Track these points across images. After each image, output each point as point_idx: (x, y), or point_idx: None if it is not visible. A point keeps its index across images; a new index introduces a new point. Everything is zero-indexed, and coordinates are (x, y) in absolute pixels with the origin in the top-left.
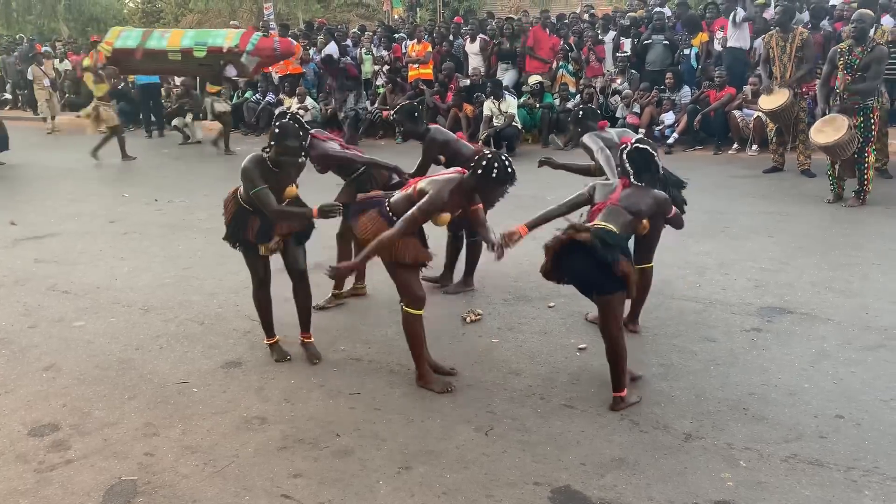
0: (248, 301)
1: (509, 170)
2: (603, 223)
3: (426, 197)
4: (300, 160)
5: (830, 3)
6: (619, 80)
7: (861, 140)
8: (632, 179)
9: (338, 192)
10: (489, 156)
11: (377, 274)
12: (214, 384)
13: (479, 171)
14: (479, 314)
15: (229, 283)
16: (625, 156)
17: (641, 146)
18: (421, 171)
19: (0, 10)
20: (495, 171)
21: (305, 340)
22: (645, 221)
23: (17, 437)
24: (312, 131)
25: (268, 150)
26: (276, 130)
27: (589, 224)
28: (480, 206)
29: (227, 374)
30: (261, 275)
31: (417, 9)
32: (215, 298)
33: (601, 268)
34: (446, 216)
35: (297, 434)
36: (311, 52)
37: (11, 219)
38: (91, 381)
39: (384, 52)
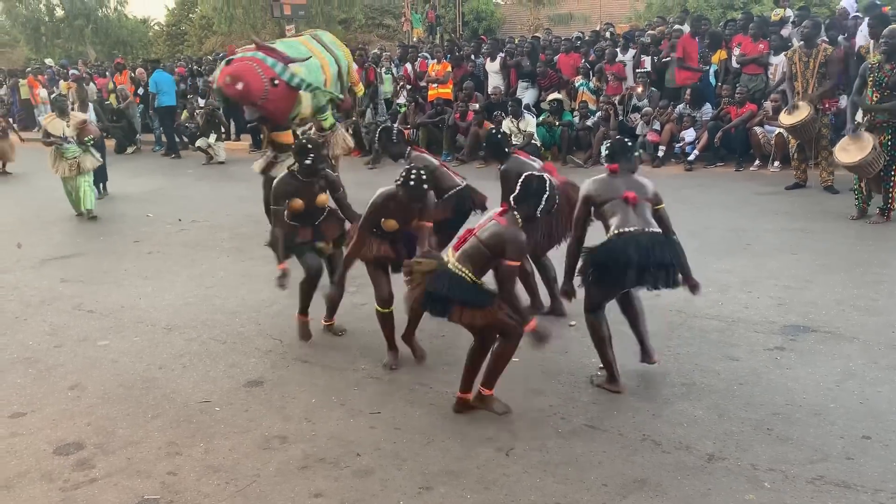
0: (269, 320)
1: (422, 185)
2: (455, 262)
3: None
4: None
5: (851, 17)
6: (639, 90)
7: (888, 157)
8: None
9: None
10: (409, 168)
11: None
12: (236, 403)
13: (399, 181)
14: None
15: (251, 302)
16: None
17: None
18: None
19: (29, 34)
20: (412, 181)
21: (326, 323)
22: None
23: (43, 456)
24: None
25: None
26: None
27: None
28: (427, 223)
29: (249, 393)
30: (313, 269)
31: (437, 29)
32: (237, 317)
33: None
34: (391, 222)
35: (318, 453)
36: None
37: (19, 241)
38: (115, 399)
39: (408, 65)
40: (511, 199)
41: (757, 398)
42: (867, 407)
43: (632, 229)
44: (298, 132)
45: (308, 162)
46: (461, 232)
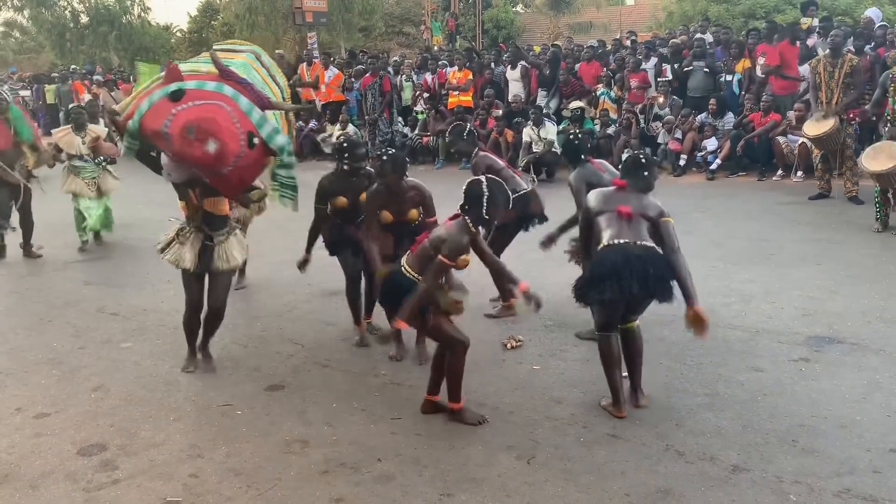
0: (290, 324)
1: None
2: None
3: None
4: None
5: (878, 27)
6: (661, 100)
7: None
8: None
9: None
10: (388, 150)
11: None
12: (258, 407)
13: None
14: (519, 341)
15: (273, 307)
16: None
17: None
18: None
19: (55, 40)
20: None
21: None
22: None
23: (67, 457)
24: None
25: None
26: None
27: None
28: (432, 218)
29: (270, 397)
30: (350, 271)
31: (457, 37)
32: (259, 322)
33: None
34: (385, 213)
35: (339, 458)
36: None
37: (40, 245)
38: (138, 401)
39: (428, 76)
40: (460, 206)
41: (781, 409)
42: (894, 420)
43: (621, 241)
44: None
45: (346, 166)
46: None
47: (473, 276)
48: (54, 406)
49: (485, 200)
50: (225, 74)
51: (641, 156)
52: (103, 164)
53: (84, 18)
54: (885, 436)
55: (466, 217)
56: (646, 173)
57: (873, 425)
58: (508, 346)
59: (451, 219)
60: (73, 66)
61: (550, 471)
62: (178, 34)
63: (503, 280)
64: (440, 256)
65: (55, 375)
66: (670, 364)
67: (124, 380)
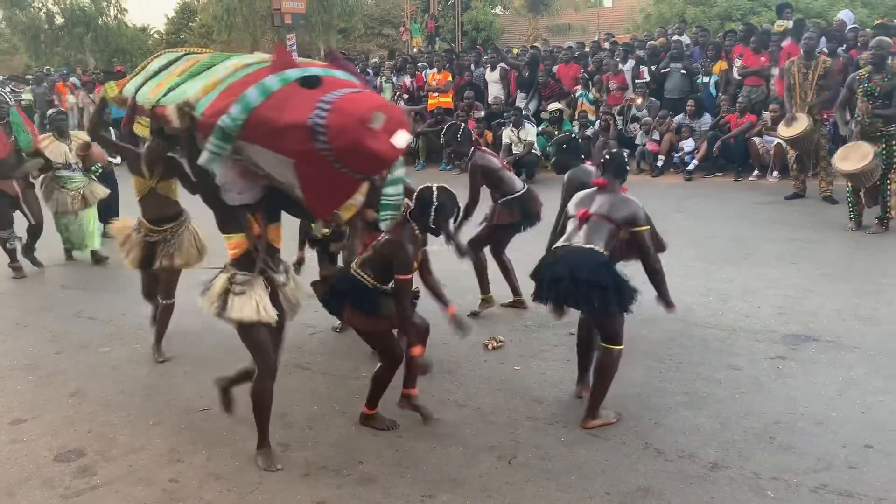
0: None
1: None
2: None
3: None
4: None
5: (849, 29)
6: (639, 101)
7: (884, 167)
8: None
9: None
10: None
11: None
12: (237, 410)
13: None
14: (500, 341)
15: None
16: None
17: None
18: (473, 197)
19: (29, 42)
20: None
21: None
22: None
23: (44, 463)
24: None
25: None
26: None
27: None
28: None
29: (250, 401)
30: None
31: (436, 38)
32: None
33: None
34: (369, 210)
35: (321, 461)
36: None
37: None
38: (116, 406)
39: (407, 78)
40: (408, 213)
41: (759, 407)
42: (869, 416)
43: (564, 244)
44: None
45: None
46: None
47: (453, 278)
48: (31, 412)
49: (433, 210)
50: (335, 61)
51: (623, 157)
52: (98, 171)
53: (59, 20)
54: (860, 432)
55: (414, 224)
56: (625, 172)
57: (848, 421)
58: (490, 346)
59: (400, 225)
60: (47, 68)
61: (531, 470)
62: (156, 36)
63: (436, 298)
64: (398, 276)
65: (31, 381)
66: (650, 363)
67: (102, 385)
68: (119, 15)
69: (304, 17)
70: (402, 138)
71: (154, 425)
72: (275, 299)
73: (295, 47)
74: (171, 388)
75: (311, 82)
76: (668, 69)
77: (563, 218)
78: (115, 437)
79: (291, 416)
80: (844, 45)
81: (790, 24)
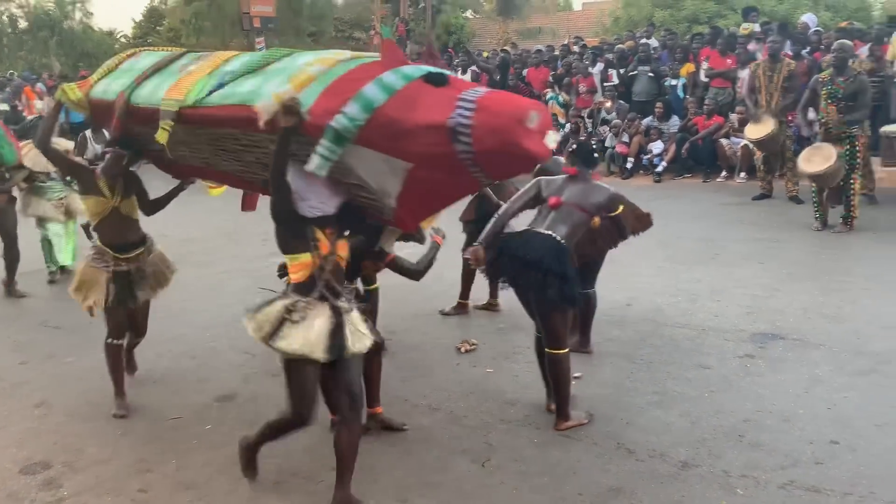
0: (241, 334)
1: None
2: None
3: None
4: None
5: (812, 32)
6: (608, 104)
7: (847, 168)
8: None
9: None
10: None
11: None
12: (208, 418)
13: None
14: (473, 344)
15: (222, 317)
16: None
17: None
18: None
19: None
20: None
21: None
22: (596, 219)
23: (8, 476)
24: None
25: None
26: None
27: None
28: None
29: (221, 408)
30: None
31: (407, 42)
32: (208, 332)
33: None
34: None
35: (293, 468)
36: None
37: None
38: (83, 417)
39: None
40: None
41: (728, 405)
42: (834, 412)
43: (526, 228)
44: None
45: None
46: None
47: (425, 282)
48: None
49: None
50: (433, 59)
51: (591, 144)
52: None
53: (23, 23)
54: (826, 428)
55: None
56: (594, 160)
57: (815, 418)
58: (462, 349)
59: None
60: (10, 73)
61: (505, 473)
62: (123, 40)
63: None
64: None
65: None
66: (621, 363)
67: (68, 395)
68: (85, 19)
69: (273, 21)
70: (552, 138)
71: (122, 435)
72: (339, 330)
73: (264, 50)
74: (139, 398)
75: (438, 80)
76: (636, 72)
77: (519, 202)
78: (82, 448)
79: (262, 423)
80: (808, 48)
81: (756, 27)
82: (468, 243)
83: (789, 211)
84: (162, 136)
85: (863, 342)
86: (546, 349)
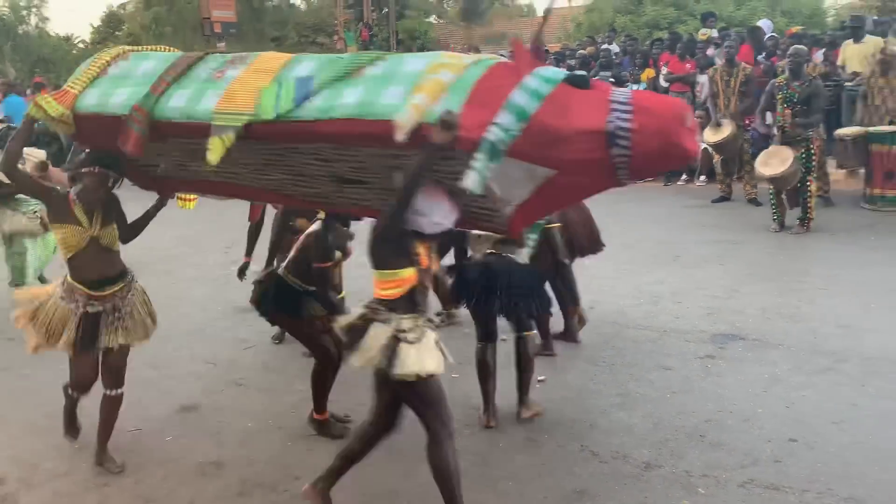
0: (202, 343)
1: None
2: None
3: None
4: None
5: (767, 37)
6: None
7: (803, 170)
8: None
9: None
10: None
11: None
12: (169, 430)
13: None
14: None
15: (184, 327)
16: None
17: None
18: None
19: None
20: None
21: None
22: None
23: None
24: None
25: None
26: None
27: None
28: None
29: (183, 420)
30: None
31: (371, 47)
32: (169, 342)
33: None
34: (301, 220)
35: (256, 478)
36: None
37: None
38: (39, 431)
39: None
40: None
41: (690, 406)
42: (792, 411)
43: (492, 251)
44: None
45: None
46: None
47: None
48: None
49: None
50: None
51: None
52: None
53: None
54: (785, 426)
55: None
56: None
57: (774, 417)
58: None
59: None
60: None
61: (470, 478)
62: (80, 45)
63: None
64: (314, 265)
65: None
66: (584, 366)
67: (24, 408)
68: (41, 24)
69: (234, 26)
70: (698, 136)
71: (80, 449)
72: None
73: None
74: (97, 411)
75: (581, 82)
76: (598, 77)
77: None
78: (39, 463)
79: (225, 433)
80: (764, 53)
81: (714, 32)
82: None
83: (748, 213)
84: (216, 154)
85: (820, 341)
86: (516, 334)
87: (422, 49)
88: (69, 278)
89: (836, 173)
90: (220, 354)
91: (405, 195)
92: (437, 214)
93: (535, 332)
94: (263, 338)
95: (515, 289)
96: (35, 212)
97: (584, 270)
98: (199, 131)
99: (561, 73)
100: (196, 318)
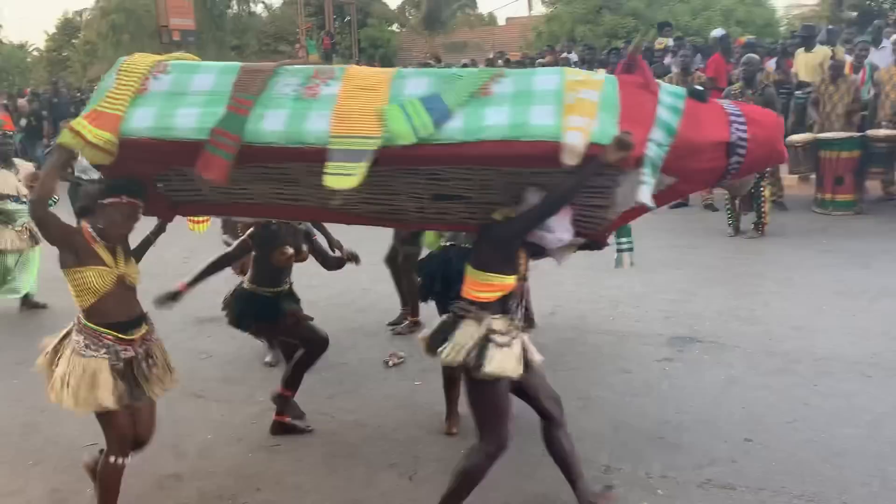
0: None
1: None
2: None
3: None
4: None
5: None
6: None
7: (757, 176)
8: None
9: None
10: None
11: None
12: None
13: None
14: (401, 357)
15: None
16: None
17: None
18: None
19: None
20: None
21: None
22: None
23: None
24: None
25: None
26: None
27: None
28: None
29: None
30: None
31: (333, 55)
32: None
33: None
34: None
35: (216, 490)
36: None
37: None
38: None
39: None
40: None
41: (649, 409)
42: (748, 411)
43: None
44: None
45: None
46: None
47: (352, 296)
48: None
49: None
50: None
51: None
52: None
53: None
54: (741, 426)
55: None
56: None
57: (730, 418)
58: (390, 363)
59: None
60: None
61: (433, 485)
62: (35, 53)
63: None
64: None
65: None
66: (546, 371)
67: None
68: None
69: (193, 34)
70: None
71: (34, 465)
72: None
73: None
74: (52, 425)
75: (701, 95)
76: None
77: None
78: None
79: (184, 445)
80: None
81: (671, 41)
82: (403, 259)
83: (705, 218)
84: (349, 182)
85: (774, 343)
86: None
87: (384, 57)
88: (91, 324)
89: (788, 179)
90: (178, 366)
91: (548, 210)
92: (560, 230)
93: None
94: (223, 349)
95: (453, 279)
96: (24, 225)
97: (544, 277)
98: (304, 157)
99: (681, 88)
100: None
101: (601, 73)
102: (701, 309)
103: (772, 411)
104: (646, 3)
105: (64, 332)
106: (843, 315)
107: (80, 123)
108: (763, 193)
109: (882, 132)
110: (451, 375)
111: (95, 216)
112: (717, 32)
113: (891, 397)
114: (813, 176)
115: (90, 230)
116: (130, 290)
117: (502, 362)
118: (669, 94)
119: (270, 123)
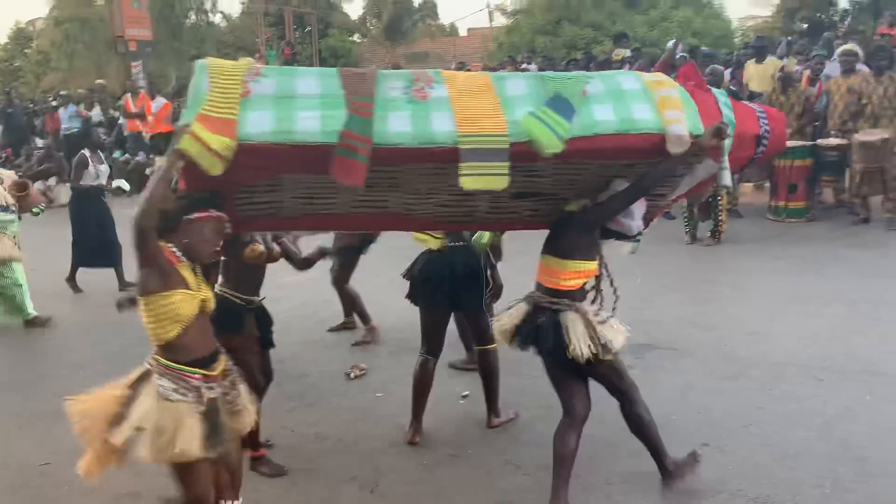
0: (120, 370)
1: None
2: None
3: None
4: None
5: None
6: None
7: (714, 185)
8: None
9: None
10: None
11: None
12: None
13: None
14: (363, 369)
15: (99, 353)
16: None
17: None
18: None
19: None
20: None
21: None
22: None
23: None
24: None
25: None
26: None
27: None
28: None
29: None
30: None
31: (294, 65)
32: (83, 371)
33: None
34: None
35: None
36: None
37: None
38: None
39: None
40: None
41: (609, 415)
42: (705, 416)
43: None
44: None
45: None
46: None
47: (313, 307)
48: None
49: None
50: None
51: None
52: (38, 213)
53: None
54: (698, 431)
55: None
56: None
57: (688, 423)
58: (352, 375)
59: None
60: None
61: (394, 497)
62: None
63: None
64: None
65: None
66: (508, 380)
67: None
68: None
69: (150, 44)
70: None
71: None
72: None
73: (141, 75)
74: (3, 445)
75: (736, 95)
76: None
77: None
78: None
79: (141, 463)
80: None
81: (628, 52)
82: (343, 270)
83: (662, 226)
84: (497, 183)
85: (730, 348)
86: (478, 346)
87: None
88: (171, 363)
89: (743, 187)
90: None
91: (635, 195)
92: (638, 217)
93: (496, 345)
94: None
95: (460, 279)
96: (14, 236)
97: (507, 286)
98: (432, 157)
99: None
100: (112, 344)
101: (658, 75)
102: (659, 316)
103: (728, 416)
104: (605, 15)
105: (136, 375)
106: (796, 320)
107: (202, 129)
108: (720, 202)
109: (832, 141)
110: (423, 382)
111: (177, 234)
112: (673, 44)
113: (841, 400)
114: (767, 184)
115: (172, 248)
116: (207, 317)
117: (615, 337)
118: (719, 93)
119: (395, 125)
